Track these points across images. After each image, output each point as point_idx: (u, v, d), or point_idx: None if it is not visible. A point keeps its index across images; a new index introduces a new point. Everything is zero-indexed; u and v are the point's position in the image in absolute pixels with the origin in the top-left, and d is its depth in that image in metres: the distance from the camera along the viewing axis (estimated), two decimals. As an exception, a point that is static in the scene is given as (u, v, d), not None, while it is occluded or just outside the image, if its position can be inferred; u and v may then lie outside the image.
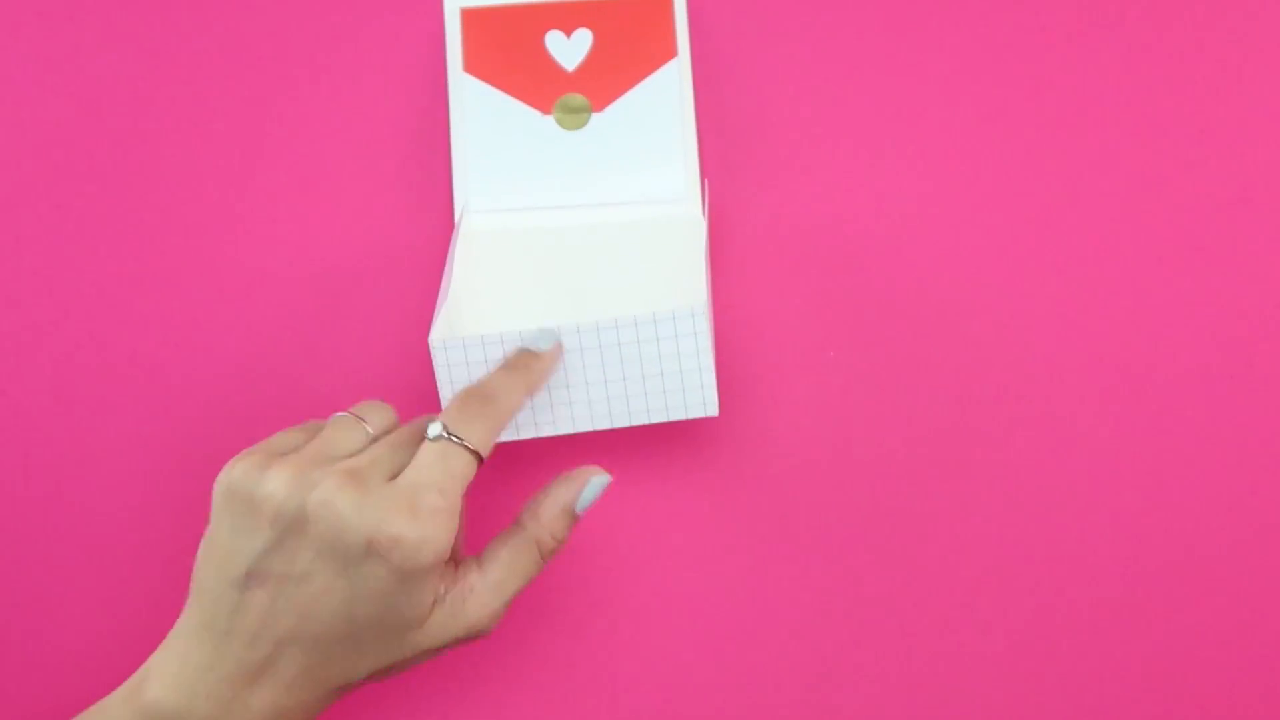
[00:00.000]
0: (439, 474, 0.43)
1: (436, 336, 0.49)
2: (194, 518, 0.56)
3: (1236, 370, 0.56)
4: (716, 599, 0.55)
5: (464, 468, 0.44)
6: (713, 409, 0.50)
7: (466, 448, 0.44)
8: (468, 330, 0.53)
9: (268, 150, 0.58)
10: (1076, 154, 0.57)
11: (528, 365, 0.48)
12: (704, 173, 0.57)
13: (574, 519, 0.47)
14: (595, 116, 0.55)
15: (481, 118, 0.55)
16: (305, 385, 0.57)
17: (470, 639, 0.45)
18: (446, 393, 0.50)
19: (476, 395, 0.46)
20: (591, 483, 0.47)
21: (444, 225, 0.57)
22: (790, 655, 0.55)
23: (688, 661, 0.55)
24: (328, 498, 0.41)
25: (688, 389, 0.50)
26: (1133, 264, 0.57)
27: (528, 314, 0.54)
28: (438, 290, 0.56)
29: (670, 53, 0.55)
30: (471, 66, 0.56)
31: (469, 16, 0.56)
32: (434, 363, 0.49)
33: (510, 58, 0.56)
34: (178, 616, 0.55)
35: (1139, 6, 0.58)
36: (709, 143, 0.57)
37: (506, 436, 0.51)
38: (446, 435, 0.44)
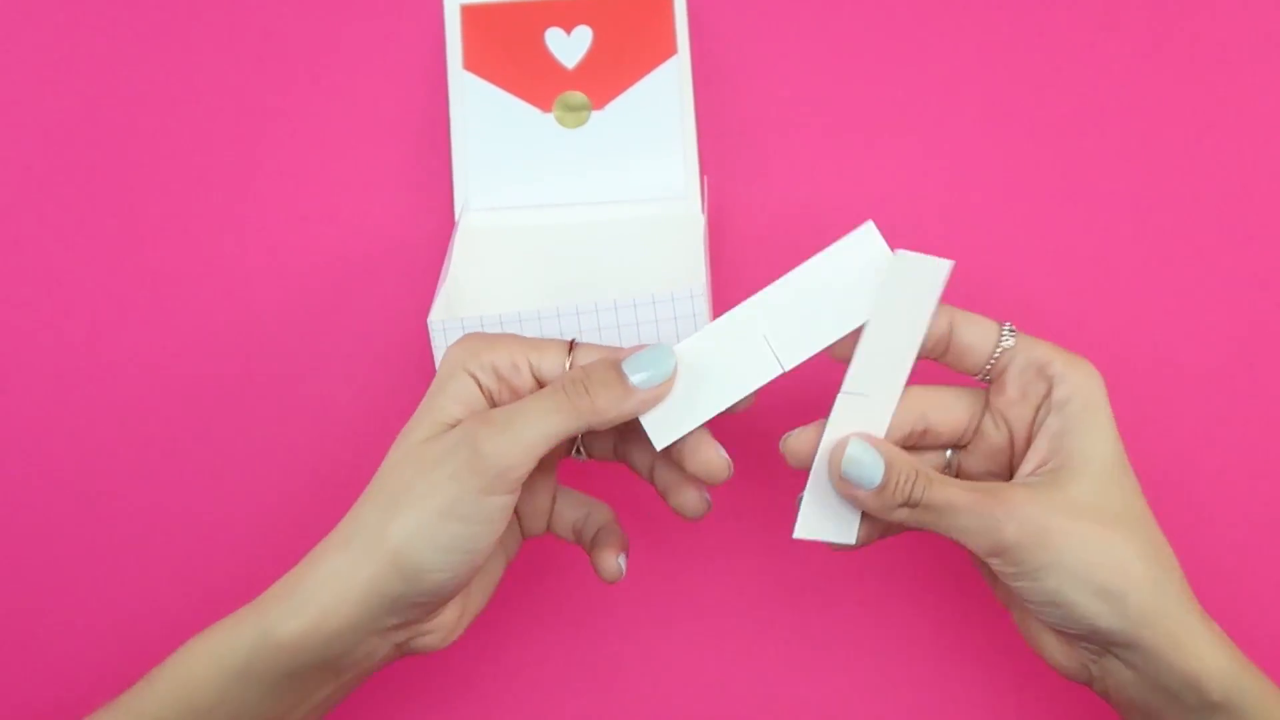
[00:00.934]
0: (533, 338, 0.45)
1: (435, 317, 0.49)
2: (195, 515, 0.56)
3: (1237, 370, 0.56)
4: (717, 596, 0.56)
5: (551, 351, 0.44)
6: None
7: (565, 347, 0.44)
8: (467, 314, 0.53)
9: (268, 148, 0.58)
10: (1076, 152, 0.57)
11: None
12: (703, 170, 0.57)
13: (622, 378, 0.43)
14: (595, 114, 0.55)
15: (481, 115, 0.55)
16: (306, 381, 0.57)
17: (486, 480, 0.41)
18: None
19: (612, 348, 0.45)
20: (650, 350, 0.43)
21: (444, 222, 0.57)
22: (791, 653, 0.55)
23: (688, 660, 0.55)
24: None
25: None
26: (1132, 263, 0.57)
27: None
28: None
29: (670, 50, 0.55)
30: (471, 64, 0.56)
31: (469, 13, 0.56)
32: (433, 344, 0.49)
33: (510, 55, 0.56)
34: (180, 615, 0.55)
35: (1139, 6, 0.58)
36: (708, 140, 0.57)
37: None
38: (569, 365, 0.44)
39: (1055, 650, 0.45)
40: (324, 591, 0.42)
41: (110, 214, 0.58)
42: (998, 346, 0.44)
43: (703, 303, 0.49)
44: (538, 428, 0.42)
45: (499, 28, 0.56)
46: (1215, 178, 0.57)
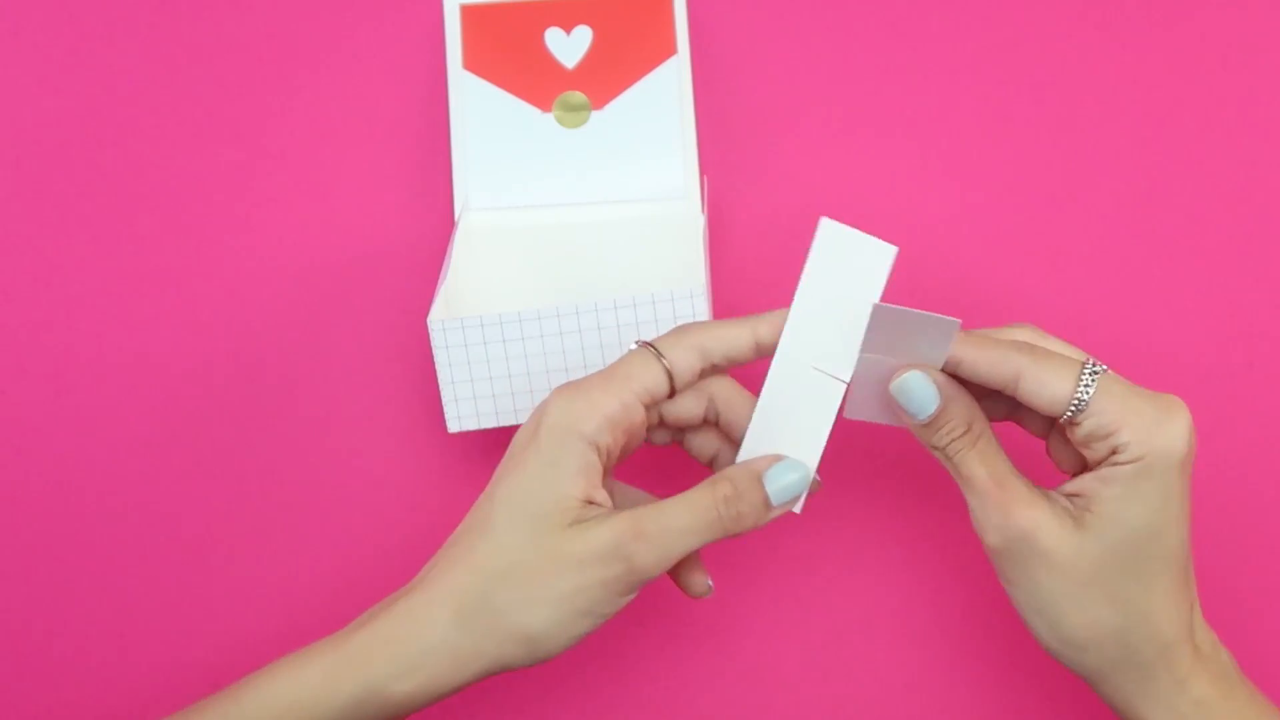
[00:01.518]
0: (616, 367, 0.44)
1: (435, 317, 0.49)
2: (196, 514, 0.56)
3: (1237, 370, 0.56)
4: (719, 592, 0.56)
5: (643, 371, 0.44)
6: None
7: (658, 357, 0.44)
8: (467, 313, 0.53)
9: (268, 147, 0.58)
10: (1076, 152, 0.57)
11: (758, 318, 0.45)
12: (703, 170, 0.57)
13: (762, 492, 0.44)
14: (595, 114, 0.55)
15: (481, 115, 0.55)
16: (306, 381, 0.57)
17: (629, 586, 0.43)
18: (445, 375, 0.50)
19: (690, 325, 0.45)
20: (786, 464, 0.44)
21: (444, 222, 0.57)
22: (792, 653, 0.55)
23: (688, 660, 0.55)
24: None
25: None
26: (1132, 262, 0.57)
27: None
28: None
29: (670, 50, 0.55)
30: (471, 63, 0.56)
31: (469, 13, 0.56)
32: (432, 343, 0.49)
33: (510, 55, 0.56)
34: (180, 616, 0.55)
35: (1139, 6, 0.58)
36: (708, 140, 0.57)
37: (504, 422, 0.51)
38: (644, 344, 0.44)
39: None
40: (437, 660, 0.43)
41: (110, 214, 0.58)
42: (1070, 403, 0.42)
43: (702, 302, 0.49)
44: (688, 542, 0.43)
45: (499, 27, 0.56)
46: (1216, 177, 0.57)
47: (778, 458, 0.44)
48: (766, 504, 0.44)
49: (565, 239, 0.55)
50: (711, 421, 0.47)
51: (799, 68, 0.58)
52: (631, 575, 0.42)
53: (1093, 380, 0.42)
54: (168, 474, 0.56)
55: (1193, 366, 0.56)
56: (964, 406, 0.43)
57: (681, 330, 0.45)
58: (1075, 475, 0.44)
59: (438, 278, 0.54)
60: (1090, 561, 0.42)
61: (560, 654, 0.43)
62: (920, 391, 0.43)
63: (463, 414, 0.50)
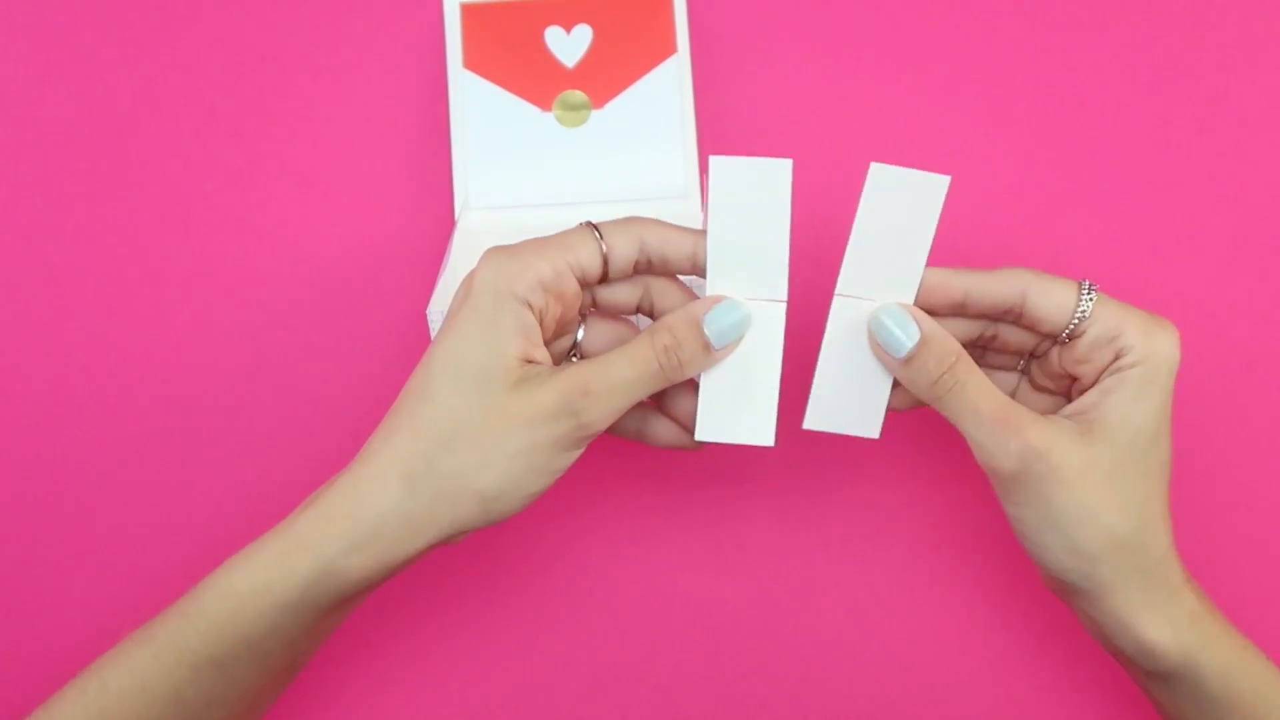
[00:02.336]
0: (552, 236, 0.44)
1: (434, 308, 0.49)
2: (197, 512, 0.56)
3: (1238, 370, 0.56)
4: (715, 592, 0.55)
5: (579, 244, 0.44)
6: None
7: (597, 237, 0.44)
8: None
9: (268, 147, 0.58)
10: (1076, 151, 0.57)
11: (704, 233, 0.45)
12: (703, 168, 0.57)
13: (702, 337, 0.44)
14: (595, 113, 0.56)
15: (481, 114, 0.55)
16: (306, 379, 0.57)
17: (578, 441, 0.43)
18: None
19: (639, 217, 0.45)
20: (725, 305, 0.44)
21: (444, 221, 0.57)
22: (793, 653, 0.55)
23: (687, 659, 0.55)
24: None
25: None
26: (1132, 262, 0.57)
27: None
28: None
29: (670, 49, 0.55)
30: (471, 62, 0.56)
31: (469, 12, 0.56)
32: (431, 333, 0.49)
33: (510, 53, 0.56)
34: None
35: (1139, 5, 0.58)
36: (708, 139, 0.58)
37: None
38: (588, 224, 0.45)
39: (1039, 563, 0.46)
40: (391, 530, 0.43)
41: (111, 213, 0.58)
42: (1074, 313, 0.44)
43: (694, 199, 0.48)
44: (634, 394, 0.43)
45: (499, 26, 0.56)
46: (1218, 172, 0.57)
47: (717, 299, 0.45)
48: (707, 348, 0.44)
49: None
50: (646, 311, 0.47)
51: (798, 67, 0.58)
52: (580, 431, 0.43)
53: (1091, 294, 0.44)
54: (168, 473, 0.56)
55: (1191, 364, 0.56)
56: (946, 335, 0.44)
57: (628, 220, 0.45)
58: (1070, 400, 0.46)
59: (437, 276, 0.54)
60: (1103, 470, 0.43)
61: (516, 513, 0.43)
62: (898, 321, 0.44)
63: None
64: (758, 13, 0.58)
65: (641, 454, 0.55)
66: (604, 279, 0.45)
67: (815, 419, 0.46)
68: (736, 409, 0.46)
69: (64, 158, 0.58)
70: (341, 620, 0.46)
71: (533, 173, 0.55)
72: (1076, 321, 0.44)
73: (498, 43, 0.56)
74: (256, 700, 0.45)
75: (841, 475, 0.56)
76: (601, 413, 0.43)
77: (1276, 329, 0.56)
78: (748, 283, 0.45)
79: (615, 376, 0.43)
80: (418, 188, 0.58)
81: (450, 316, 0.44)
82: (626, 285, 0.46)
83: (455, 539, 0.44)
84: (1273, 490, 0.56)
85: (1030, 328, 0.45)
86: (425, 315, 0.57)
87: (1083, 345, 0.44)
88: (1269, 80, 0.58)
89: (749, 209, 0.44)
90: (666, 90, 0.55)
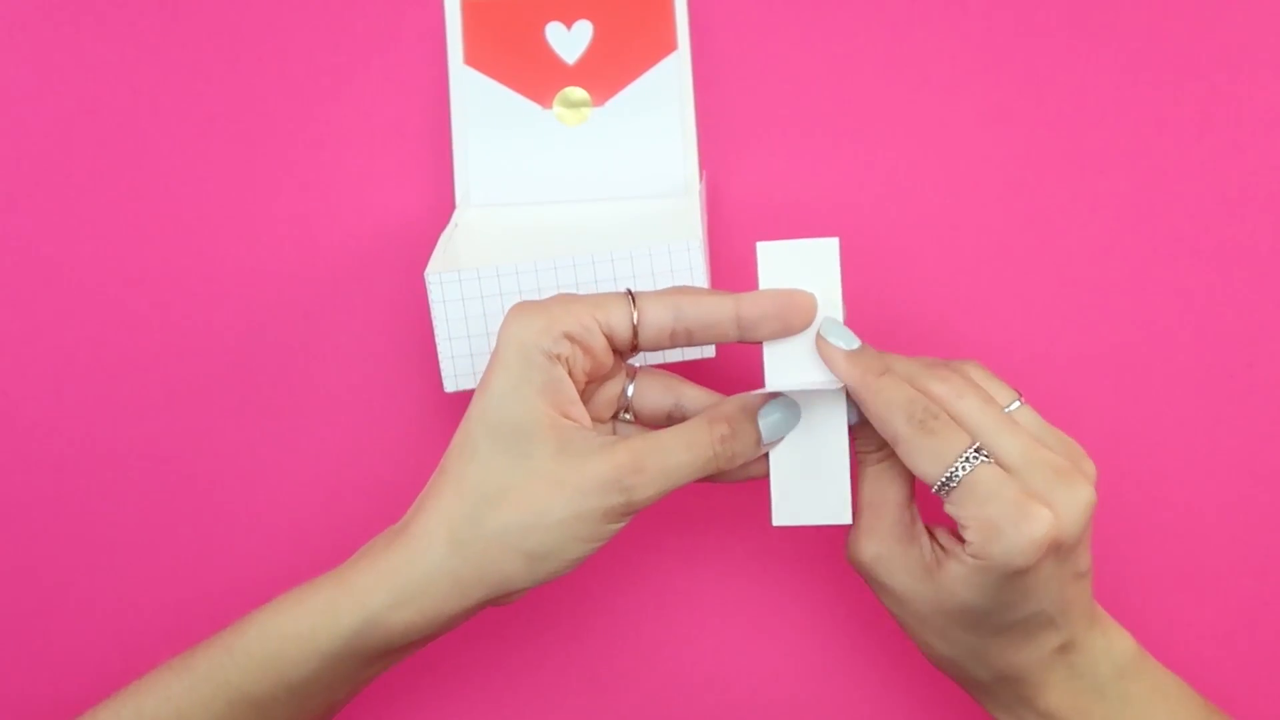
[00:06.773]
0: (584, 294, 0.44)
1: (432, 270, 0.48)
2: (198, 509, 0.56)
3: (1237, 370, 0.56)
4: (714, 590, 0.55)
5: (611, 302, 0.44)
6: (709, 350, 0.50)
7: (630, 300, 0.44)
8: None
9: (269, 143, 0.58)
10: (1075, 151, 0.57)
11: (741, 295, 0.45)
12: (703, 166, 0.57)
13: (756, 431, 0.44)
14: (595, 111, 0.56)
15: (482, 111, 0.56)
16: (306, 376, 0.57)
17: (625, 515, 0.43)
18: (442, 330, 0.49)
19: (678, 286, 0.45)
20: (777, 402, 0.45)
21: (444, 218, 0.57)
22: (792, 652, 0.55)
23: (686, 658, 0.55)
24: None
25: None
26: (1131, 262, 0.57)
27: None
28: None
29: (670, 46, 0.55)
30: (472, 59, 0.56)
31: (469, 8, 0.56)
32: (429, 298, 0.48)
33: (511, 50, 0.56)
34: (181, 607, 0.55)
35: (1139, 5, 0.58)
36: (708, 137, 0.58)
37: None
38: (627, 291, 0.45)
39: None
40: (439, 587, 0.43)
41: (111, 210, 0.58)
42: (937, 484, 0.43)
43: (699, 255, 0.48)
44: (685, 477, 0.44)
45: (499, 22, 0.56)
46: (1211, 183, 0.57)
47: (770, 396, 0.45)
48: (758, 442, 0.45)
49: (565, 235, 0.55)
50: (677, 418, 0.47)
51: (799, 64, 0.58)
52: (628, 507, 0.43)
53: (965, 467, 0.42)
54: (170, 469, 0.56)
55: (1192, 367, 0.56)
56: (872, 430, 0.45)
57: (668, 289, 0.45)
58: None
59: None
60: (927, 607, 0.44)
61: (563, 574, 0.44)
62: (838, 333, 0.44)
63: (459, 372, 0.50)
64: (758, 9, 0.58)
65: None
66: (635, 346, 0.45)
67: (782, 515, 0.46)
68: (809, 492, 0.46)
69: (65, 155, 0.58)
70: (383, 672, 0.46)
71: (533, 170, 0.55)
72: (940, 491, 0.43)
73: (498, 39, 0.56)
74: None
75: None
76: (652, 492, 0.43)
77: (1276, 329, 0.56)
78: (806, 368, 0.45)
79: (670, 460, 0.43)
80: (418, 185, 0.58)
81: (484, 374, 0.44)
82: (658, 388, 0.47)
83: (506, 600, 0.44)
84: None
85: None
86: (426, 317, 0.56)
87: (946, 504, 0.43)
88: (1269, 79, 0.58)
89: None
90: (667, 88, 0.55)
